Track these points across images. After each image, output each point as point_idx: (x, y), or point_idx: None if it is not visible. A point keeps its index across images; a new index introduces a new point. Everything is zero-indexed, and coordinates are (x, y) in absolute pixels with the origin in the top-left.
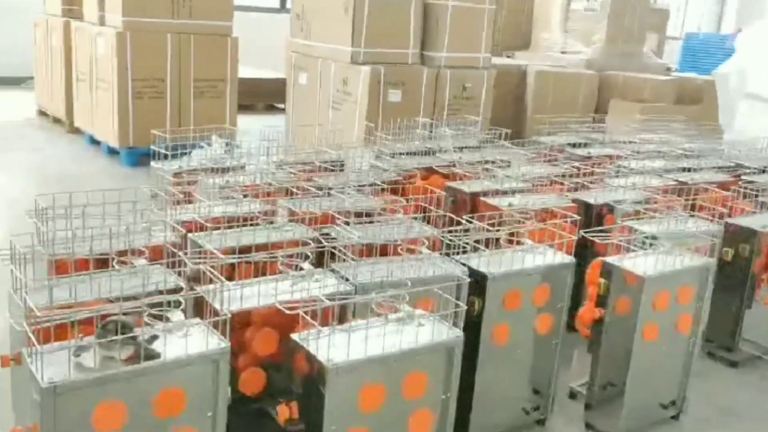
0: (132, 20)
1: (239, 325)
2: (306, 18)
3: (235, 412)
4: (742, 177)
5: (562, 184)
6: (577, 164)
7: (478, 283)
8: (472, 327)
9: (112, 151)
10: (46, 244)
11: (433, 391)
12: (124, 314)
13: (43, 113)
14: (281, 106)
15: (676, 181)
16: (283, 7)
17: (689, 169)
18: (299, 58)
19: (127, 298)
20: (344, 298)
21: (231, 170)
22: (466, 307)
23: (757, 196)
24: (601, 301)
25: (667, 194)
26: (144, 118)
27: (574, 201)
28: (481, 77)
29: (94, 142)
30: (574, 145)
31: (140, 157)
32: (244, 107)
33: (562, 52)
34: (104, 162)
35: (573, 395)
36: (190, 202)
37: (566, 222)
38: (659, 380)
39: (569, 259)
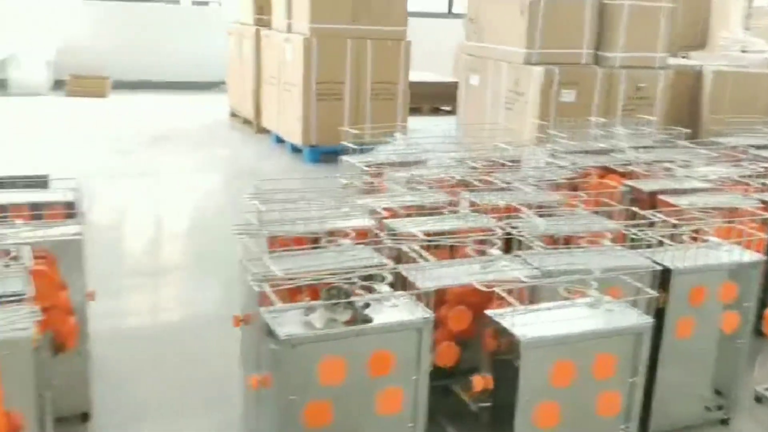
0: (317, 27)
1: (437, 301)
2: (480, 21)
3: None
4: None
5: (747, 184)
6: (764, 165)
7: (662, 276)
8: (656, 320)
9: (295, 150)
10: (264, 224)
11: (622, 374)
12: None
13: (234, 115)
14: (446, 108)
15: None
16: (450, 12)
17: None
18: (471, 61)
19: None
20: (537, 281)
21: (414, 165)
22: (657, 294)
23: None
24: None
25: None
26: (324, 118)
27: (762, 202)
28: (656, 77)
29: (280, 141)
30: (758, 147)
31: (321, 155)
32: (411, 109)
33: (743, 51)
34: (288, 159)
35: (759, 399)
36: (376, 192)
37: (753, 220)
38: None
39: (758, 257)
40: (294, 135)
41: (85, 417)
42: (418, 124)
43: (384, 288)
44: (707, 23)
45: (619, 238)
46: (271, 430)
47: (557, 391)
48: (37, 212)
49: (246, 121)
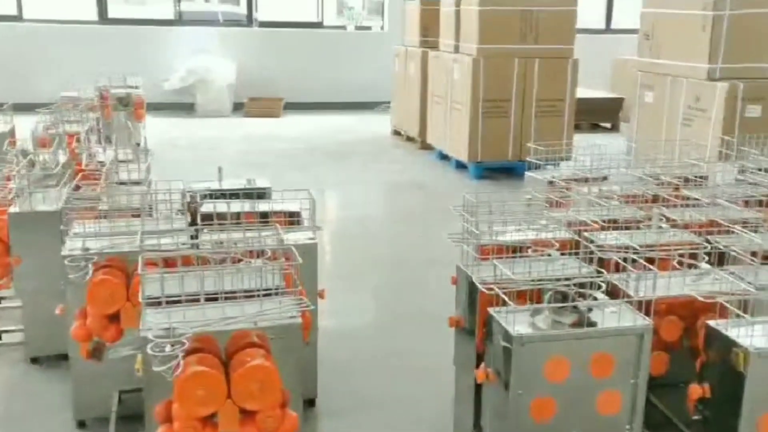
0: (485, 47)
1: (649, 311)
2: (656, 37)
3: None
4: None
5: None
6: None
7: None
8: None
9: (459, 165)
10: (474, 233)
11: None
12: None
13: (396, 133)
14: (606, 125)
15: None
16: (608, 28)
17: None
18: (646, 77)
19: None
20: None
21: (598, 180)
22: None
23: None
24: None
25: None
26: (490, 135)
27: None
28: None
29: (443, 157)
30: None
31: (485, 171)
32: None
33: None
34: (453, 174)
35: None
36: (563, 207)
37: None
38: None
39: None
40: (460, 151)
41: (311, 403)
42: (580, 140)
43: (600, 295)
44: None
45: None
46: (495, 422)
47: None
48: (266, 220)
49: (409, 138)
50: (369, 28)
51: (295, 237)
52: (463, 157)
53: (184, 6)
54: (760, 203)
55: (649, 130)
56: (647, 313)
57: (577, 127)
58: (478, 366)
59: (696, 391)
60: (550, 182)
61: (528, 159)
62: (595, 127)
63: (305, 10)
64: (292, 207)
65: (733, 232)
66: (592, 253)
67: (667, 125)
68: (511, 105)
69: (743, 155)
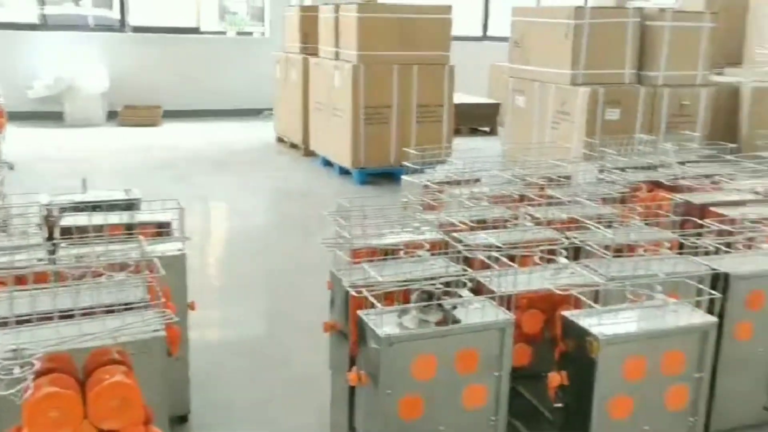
0: (365, 54)
1: (510, 305)
2: (525, 44)
3: None
4: None
5: None
6: None
7: (721, 282)
8: None
9: (343, 171)
10: (349, 237)
11: (689, 370)
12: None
13: (281, 140)
14: (485, 129)
15: None
16: (484, 35)
17: None
18: (517, 82)
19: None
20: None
21: (470, 182)
22: (718, 295)
23: None
24: None
25: None
26: (372, 141)
27: None
28: (698, 94)
29: (327, 163)
30: None
31: (368, 176)
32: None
33: None
34: (337, 181)
35: None
36: (438, 209)
37: None
38: None
39: None
40: (343, 158)
41: (183, 419)
42: (460, 144)
43: (466, 293)
44: (742, 40)
45: (676, 248)
46: (367, 423)
47: (630, 385)
48: (132, 232)
49: (293, 145)
50: (250, 33)
51: (162, 248)
52: (347, 164)
53: (50, 9)
54: (616, 200)
55: (521, 133)
56: (509, 308)
57: (458, 132)
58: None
59: (555, 378)
60: (425, 186)
61: (405, 164)
62: (474, 132)
63: (182, 15)
64: (162, 218)
65: (589, 228)
66: (459, 252)
67: (537, 128)
68: (392, 111)
69: (603, 156)
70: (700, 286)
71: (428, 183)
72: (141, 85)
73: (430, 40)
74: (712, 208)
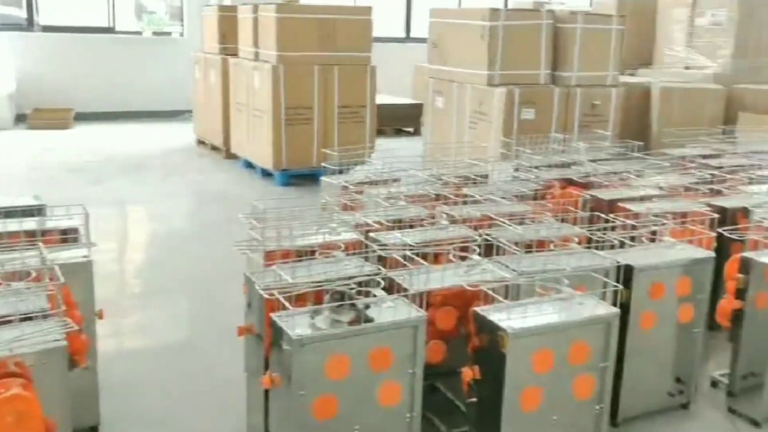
0: (285, 55)
1: (426, 302)
2: (442, 46)
3: None
4: None
5: (696, 190)
6: (710, 173)
7: (626, 274)
8: (621, 314)
9: (266, 174)
10: (263, 240)
11: (594, 359)
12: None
13: (201, 142)
14: (409, 129)
15: None
16: (408, 37)
17: None
18: (436, 83)
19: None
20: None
21: (390, 183)
22: (621, 287)
23: None
24: (740, 294)
25: None
26: (293, 142)
27: (709, 206)
28: (609, 94)
29: (249, 166)
30: (704, 156)
31: (292, 178)
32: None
33: (686, 68)
34: (260, 183)
35: (714, 384)
36: (357, 209)
37: (703, 222)
38: None
39: (709, 254)
40: (265, 160)
41: (93, 429)
42: (384, 145)
43: (380, 292)
44: (653, 42)
45: (584, 242)
46: (282, 426)
47: (539, 376)
48: (37, 238)
49: (214, 148)
50: (169, 34)
51: (67, 255)
52: (268, 166)
53: None
54: (530, 198)
55: (440, 133)
56: (422, 306)
57: (382, 133)
58: None
59: (468, 373)
60: (344, 186)
61: (324, 165)
62: (399, 132)
63: (96, 14)
64: (68, 224)
65: (502, 226)
66: (374, 252)
67: (456, 128)
68: (313, 112)
69: (519, 155)
70: (605, 279)
71: (347, 184)
72: (51, 87)
73: (351, 41)
74: (620, 204)
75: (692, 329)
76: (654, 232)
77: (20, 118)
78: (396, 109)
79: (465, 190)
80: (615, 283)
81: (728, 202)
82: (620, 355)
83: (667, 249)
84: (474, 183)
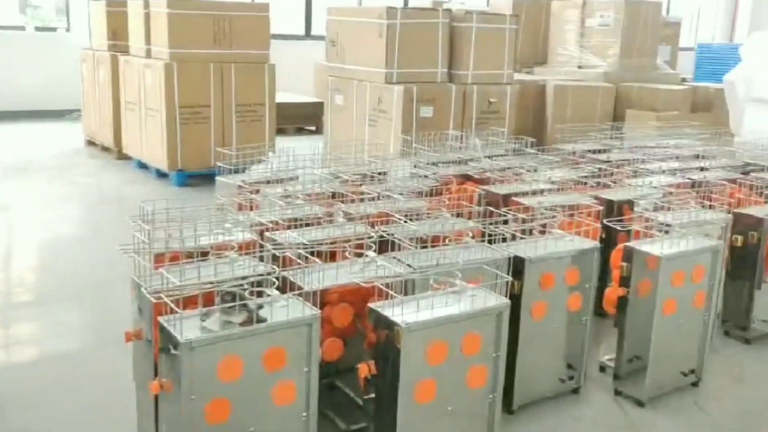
0: (177, 52)
1: (321, 301)
2: (340, 43)
3: None
4: (751, 174)
5: (585, 184)
6: (598, 167)
7: (517, 266)
8: (513, 305)
9: (161, 174)
10: (151, 242)
11: (487, 350)
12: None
13: (91, 143)
14: (311, 128)
15: (690, 179)
16: (308, 35)
17: (703, 169)
18: (335, 81)
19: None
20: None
21: (288, 181)
22: (511, 279)
23: (761, 192)
24: (624, 282)
25: (680, 190)
26: (189, 142)
27: (597, 199)
28: (504, 92)
29: (143, 166)
30: (594, 152)
31: (189, 178)
32: (277, 130)
33: (579, 67)
34: (155, 184)
35: (602, 369)
36: (255, 209)
37: (590, 214)
38: (679, 350)
39: (594, 244)
40: (159, 160)
41: None
42: (284, 144)
43: (273, 292)
44: (547, 41)
45: (479, 236)
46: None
47: (433, 368)
48: None
49: (105, 149)
50: (54, 29)
51: None
52: (163, 166)
53: None
54: (428, 194)
55: (340, 131)
56: (317, 304)
57: (283, 131)
58: None
59: (363, 369)
60: (239, 186)
61: (218, 164)
62: (300, 131)
63: None
64: None
65: (398, 222)
66: (269, 251)
67: (356, 126)
68: (210, 110)
69: (417, 152)
70: (496, 271)
71: (242, 183)
72: None
73: (248, 38)
74: (513, 198)
75: (581, 317)
76: (544, 225)
77: None
78: (297, 107)
79: (363, 188)
80: (505, 275)
81: (614, 194)
82: (513, 345)
83: (557, 241)
84: (372, 180)
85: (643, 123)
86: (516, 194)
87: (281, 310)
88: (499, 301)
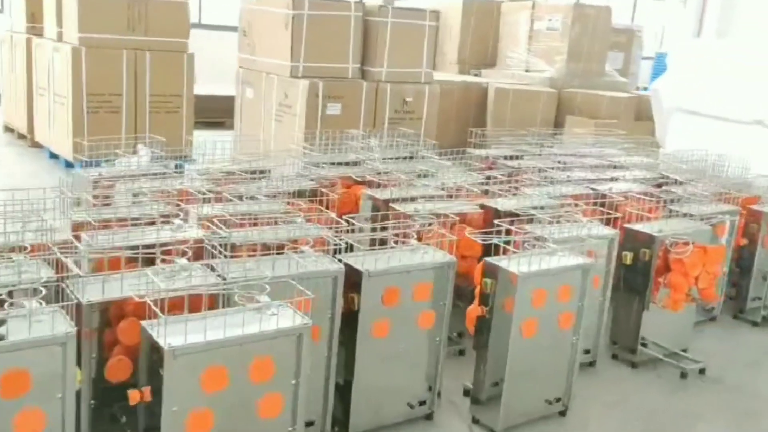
0: (87, 36)
1: (106, 314)
2: (251, 34)
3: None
4: (663, 187)
5: (486, 192)
6: (499, 174)
7: (355, 279)
8: (351, 321)
9: (69, 165)
10: None
11: (282, 375)
12: None
13: (9, 129)
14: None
15: (593, 190)
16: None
17: (613, 180)
18: (246, 73)
19: None
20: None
21: (152, 177)
22: (312, 296)
23: (665, 207)
24: (484, 299)
25: (578, 202)
26: (99, 131)
27: (482, 207)
28: (422, 91)
29: (54, 156)
30: (508, 158)
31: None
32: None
33: (527, 71)
34: (61, 174)
35: (467, 392)
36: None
37: (469, 222)
38: (544, 376)
39: (450, 258)
40: (65, 149)
41: None
42: (200, 137)
43: (34, 303)
44: (496, 44)
45: (321, 245)
46: None
47: (209, 397)
48: None
49: (21, 136)
50: None
51: None
52: (69, 156)
53: None
54: (308, 195)
55: (250, 125)
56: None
57: (205, 125)
58: None
59: (134, 396)
60: (95, 180)
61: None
62: (218, 125)
63: None
64: None
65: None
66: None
67: (264, 121)
68: (122, 99)
69: (311, 151)
70: (299, 287)
71: (100, 177)
72: None
73: (166, 26)
74: (391, 204)
75: (434, 337)
76: (406, 234)
77: None
78: (215, 100)
79: (231, 187)
80: (307, 292)
81: (502, 204)
82: (350, 365)
83: (411, 253)
84: (254, 179)
85: (582, 129)
86: (394, 200)
87: (37, 325)
88: (299, 321)
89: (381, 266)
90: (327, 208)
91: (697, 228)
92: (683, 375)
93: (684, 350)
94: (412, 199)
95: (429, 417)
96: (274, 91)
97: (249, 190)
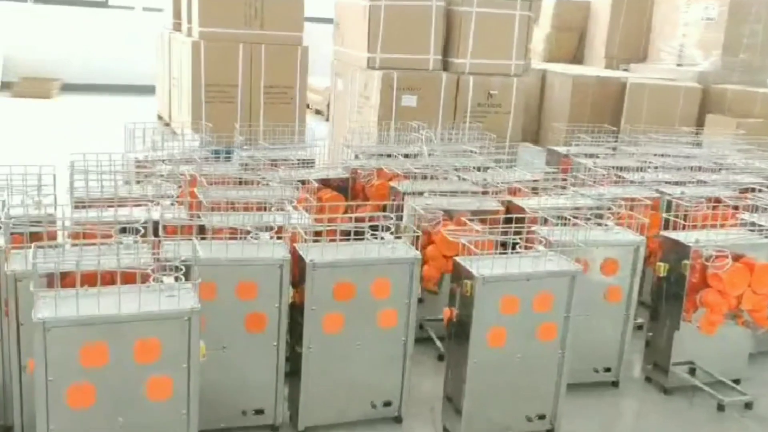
0: (207, 30)
1: None
2: (341, 26)
3: None
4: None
5: (519, 190)
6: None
7: (302, 271)
8: (295, 315)
9: None
10: None
11: (171, 359)
12: None
13: (160, 117)
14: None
15: (660, 192)
16: None
17: (700, 183)
18: (338, 65)
19: None
20: None
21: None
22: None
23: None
24: (453, 301)
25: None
26: (214, 120)
27: (502, 203)
28: (510, 84)
29: None
30: (590, 156)
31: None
32: None
33: (678, 65)
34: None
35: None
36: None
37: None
38: (521, 390)
39: (416, 254)
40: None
41: None
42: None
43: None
44: (649, 38)
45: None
46: None
47: (89, 371)
48: None
49: (166, 124)
50: (161, 9)
51: None
52: None
53: None
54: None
55: (339, 116)
56: None
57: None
58: None
59: None
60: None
61: None
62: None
63: None
64: None
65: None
66: None
67: (350, 112)
68: (237, 90)
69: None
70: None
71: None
72: (39, 57)
73: (280, 20)
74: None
75: (401, 337)
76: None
77: (6, 86)
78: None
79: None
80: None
81: (528, 203)
82: (296, 361)
83: (380, 247)
84: (298, 167)
85: (723, 130)
86: (411, 193)
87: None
88: (190, 305)
89: (328, 258)
90: (354, 198)
91: (754, 241)
92: (720, 407)
93: (736, 381)
94: (432, 194)
95: (397, 420)
96: (356, 83)
97: (272, 177)
